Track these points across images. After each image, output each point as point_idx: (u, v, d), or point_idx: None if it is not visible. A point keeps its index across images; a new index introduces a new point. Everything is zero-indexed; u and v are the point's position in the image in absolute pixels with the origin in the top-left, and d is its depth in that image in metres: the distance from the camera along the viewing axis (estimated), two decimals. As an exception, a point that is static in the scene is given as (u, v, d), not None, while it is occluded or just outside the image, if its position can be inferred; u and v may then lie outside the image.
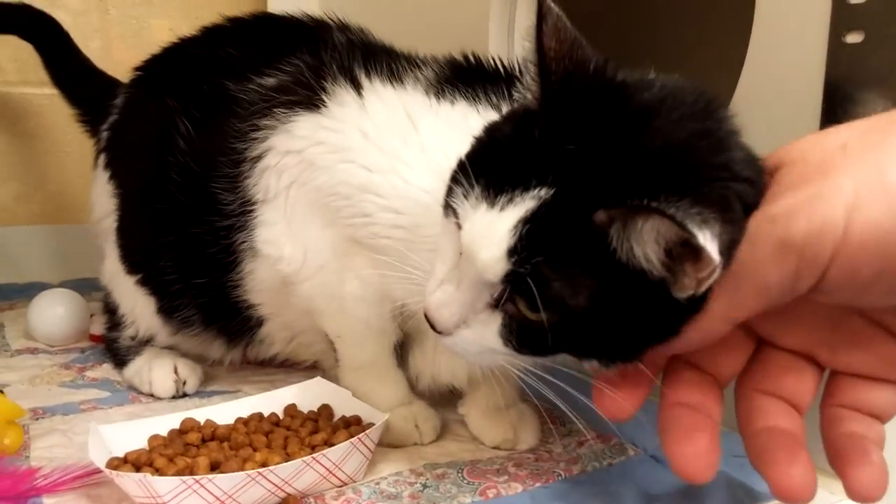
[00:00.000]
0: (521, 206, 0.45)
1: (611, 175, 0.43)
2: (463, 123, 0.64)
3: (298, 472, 0.60)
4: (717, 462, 0.46)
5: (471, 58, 0.70)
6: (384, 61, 0.72)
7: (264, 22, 0.85)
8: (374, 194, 0.66)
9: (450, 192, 0.51)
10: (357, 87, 0.71)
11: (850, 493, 0.44)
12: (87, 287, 1.17)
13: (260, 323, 0.80)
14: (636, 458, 0.72)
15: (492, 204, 0.46)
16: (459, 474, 0.67)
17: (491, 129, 0.52)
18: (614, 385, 0.50)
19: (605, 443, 0.75)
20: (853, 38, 0.63)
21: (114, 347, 0.91)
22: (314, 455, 0.61)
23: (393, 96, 0.69)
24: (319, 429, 0.69)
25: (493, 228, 0.45)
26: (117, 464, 0.62)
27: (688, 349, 0.47)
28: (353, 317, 0.71)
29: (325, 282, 0.72)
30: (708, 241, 0.38)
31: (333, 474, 0.63)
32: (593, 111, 0.46)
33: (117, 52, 1.45)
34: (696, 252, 0.40)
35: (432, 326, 0.51)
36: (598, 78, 0.47)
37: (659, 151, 0.44)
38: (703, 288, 0.42)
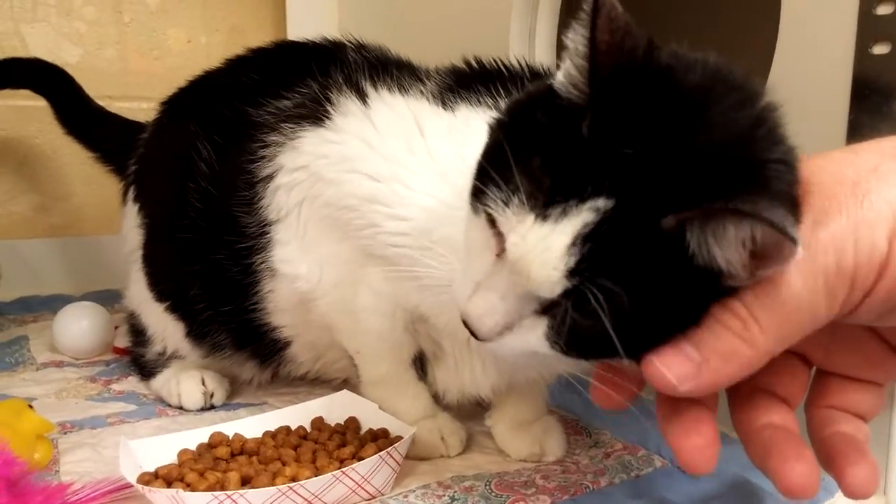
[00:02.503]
0: (578, 219, 0.41)
1: (676, 177, 0.41)
2: (465, 127, 0.64)
3: (328, 486, 0.60)
4: (719, 453, 0.46)
5: (472, 62, 0.70)
6: (392, 74, 0.73)
7: (285, 49, 0.86)
8: (380, 204, 0.66)
9: (480, 191, 0.47)
10: (363, 97, 0.71)
11: (848, 489, 0.44)
12: (110, 298, 1.18)
13: (286, 345, 0.81)
14: (663, 470, 0.72)
15: (542, 216, 0.43)
16: (487, 487, 0.67)
17: (518, 115, 0.49)
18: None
19: (633, 454, 0.74)
20: (880, 49, 0.63)
21: (140, 361, 0.92)
22: (343, 469, 0.61)
23: (400, 103, 0.70)
24: (347, 442, 0.69)
25: (547, 245, 0.42)
26: (148, 479, 0.62)
27: (725, 385, 0.45)
28: (367, 330, 0.72)
29: (341, 297, 0.72)
30: (799, 245, 0.37)
31: (362, 487, 0.63)
32: (644, 106, 0.43)
33: (134, 62, 1.46)
34: (782, 253, 0.38)
35: (473, 333, 0.48)
36: (647, 66, 0.44)
37: (719, 146, 0.42)
38: (755, 279, 0.41)
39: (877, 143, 0.43)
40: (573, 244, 0.42)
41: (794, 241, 0.37)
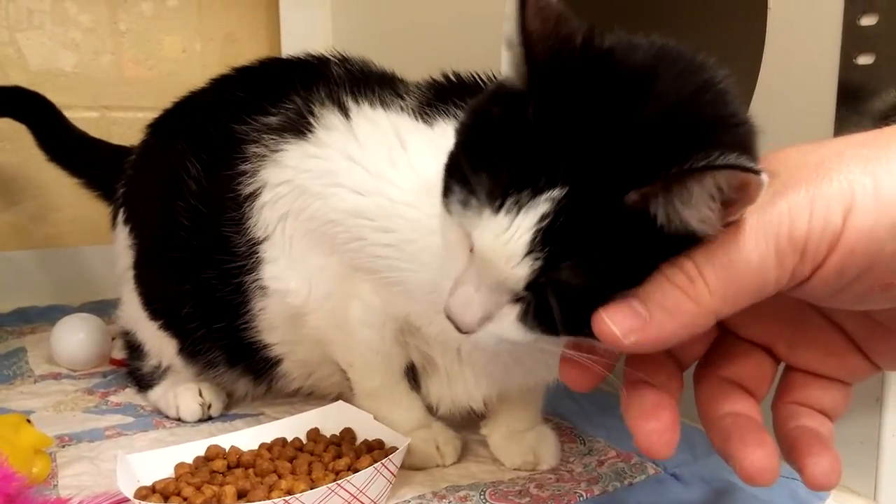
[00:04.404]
0: (535, 211, 0.43)
1: (628, 152, 0.42)
2: (443, 140, 0.64)
3: (323, 499, 0.61)
4: (677, 440, 0.46)
5: (451, 77, 0.71)
6: (373, 88, 0.73)
7: (270, 66, 0.86)
8: (365, 217, 0.67)
9: (447, 191, 0.49)
10: (344, 111, 0.72)
11: (809, 480, 0.45)
12: (107, 309, 1.18)
13: (279, 361, 0.82)
14: (657, 477, 0.72)
15: (498, 209, 0.44)
16: (482, 496, 0.68)
17: (477, 114, 0.50)
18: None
19: (626, 461, 0.75)
20: (864, 59, 0.64)
21: (137, 374, 0.93)
22: (338, 482, 0.61)
23: (382, 118, 0.71)
24: (342, 453, 0.69)
25: (507, 238, 0.44)
26: (145, 493, 0.63)
27: (671, 343, 0.46)
28: (359, 342, 0.72)
29: (332, 310, 0.73)
30: (763, 174, 0.38)
31: (357, 499, 0.64)
32: (589, 87, 0.44)
33: (129, 70, 1.46)
34: (748, 191, 0.39)
35: (457, 328, 0.49)
36: (587, 50, 0.45)
37: (666, 115, 0.43)
38: (728, 224, 0.42)
39: (846, 136, 0.44)
40: (533, 238, 0.43)
41: (756, 172, 0.38)
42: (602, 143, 0.42)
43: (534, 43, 0.45)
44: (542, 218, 0.42)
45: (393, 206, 0.65)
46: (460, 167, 0.47)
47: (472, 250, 0.47)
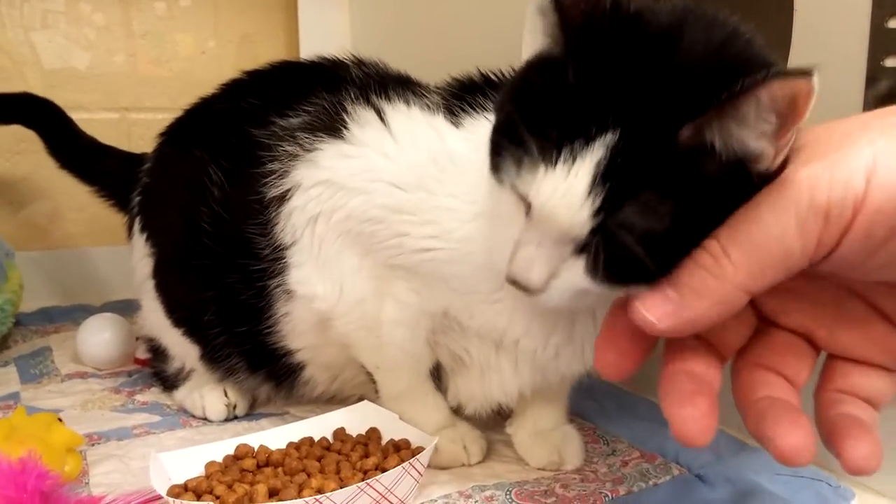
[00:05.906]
0: (591, 159, 0.44)
1: (674, 93, 0.44)
2: (472, 134, 0.66)
3: (353, 498, 0.62)
4: (715, 428, 0.46)
5: (476, 74, 0.72)
6: (399, 89, 0.74)
7: (283, 70, 0.86)
8: (406, 213, 0.67)
9: (495, 165, 0.51)
10: (377, 109, 0.72)
11: (848, 464, 0.44)
12: (130, 308, 1.19)
13: (301, 367, 0.82)
14: (681, 478, 0.73)
15: (552, 163, 0.45)
16: (508, 496, 0.69)
17: (516, 91, 0.52)
18: (617, 346, 0.49)
19: (650, 462, 0.76)
20: (892, 62, 0.64)
21: (162, 375, 0.93)
22: (367, 481, 0.62)
23: (415, 112, 0.71)
24: (370, 453, 0.70)
25: (567, 188, 0.45)
26: (178, 491, 0.64)
27: (706, 324, 0.46)
28: (389, 343, 0.72)
29: (363, 314, 0.72)
30: (814, 74, 0.39)
31: (386, 498, 0.64)
32: (623, 45, 0.46)
33: (142, 67, 1.46)
34: (798, 101, 0.40)
35: (524, 290, 0.50)
36: (616, 13, 0.47)
37: (703, 60, 0.45)
38: (781, 158, 0.43)
39: (872, 112, 0.45)
40: (593, 182, 0.44)
41: (806, 73, 0.39)
42: (647, 89, 0.44)
43: (567, 9, 0.47)
44: (599, 163, 0.44)
45: (433, 199, 0.66)
46: (507, 136, 0.49)
47: (527, 213, 0.49)
